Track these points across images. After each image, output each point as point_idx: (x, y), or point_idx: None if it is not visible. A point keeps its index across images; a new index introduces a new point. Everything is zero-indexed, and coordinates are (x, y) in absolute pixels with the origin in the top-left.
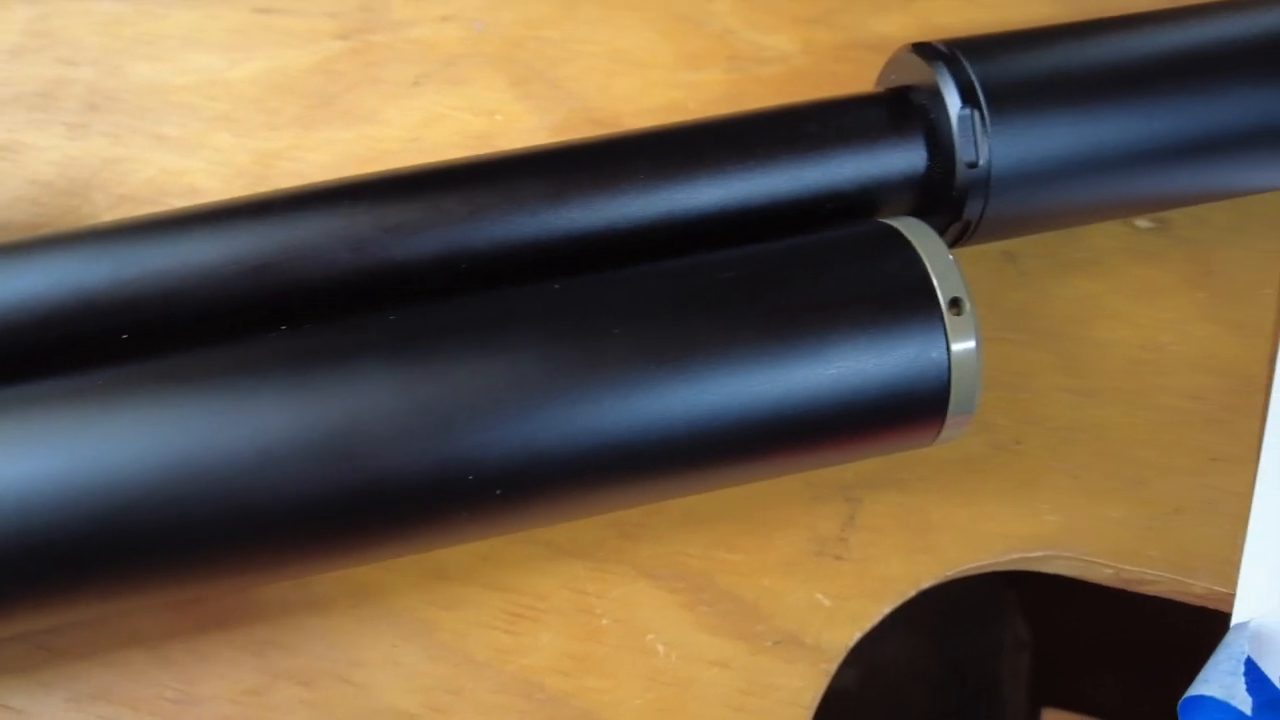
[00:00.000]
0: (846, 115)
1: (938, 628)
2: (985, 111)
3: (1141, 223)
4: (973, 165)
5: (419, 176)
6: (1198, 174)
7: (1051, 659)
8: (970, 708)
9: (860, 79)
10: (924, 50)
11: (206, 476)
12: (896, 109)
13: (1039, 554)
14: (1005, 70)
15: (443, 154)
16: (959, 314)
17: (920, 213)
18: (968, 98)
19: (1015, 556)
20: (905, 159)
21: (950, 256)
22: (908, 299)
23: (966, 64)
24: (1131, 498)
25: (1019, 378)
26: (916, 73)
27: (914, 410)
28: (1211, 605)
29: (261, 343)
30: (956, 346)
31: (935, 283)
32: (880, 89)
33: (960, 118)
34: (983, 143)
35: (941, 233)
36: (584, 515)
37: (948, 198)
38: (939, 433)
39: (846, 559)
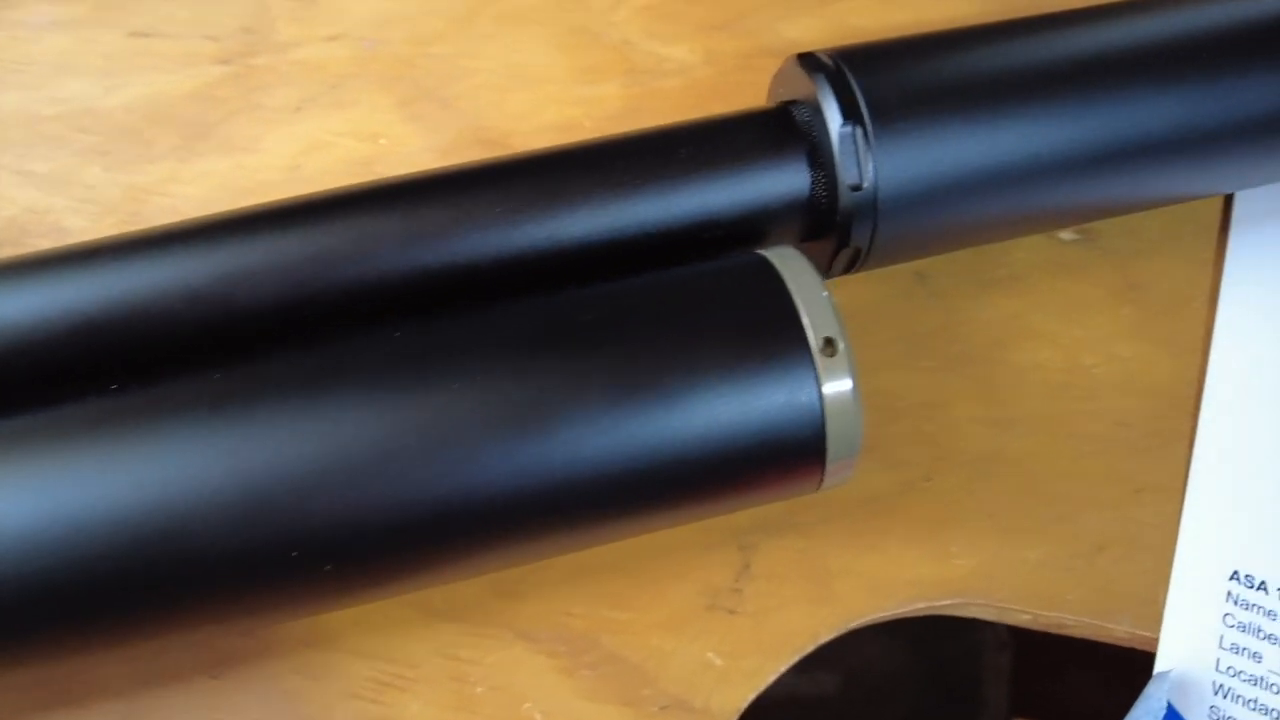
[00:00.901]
0: (722, 137)
1: (918, 629)
2: (869, 128)
3: (1066, 235)
4: (856, 188)
5: (256, 217)
6: (1114, 185)
7: (1033, 659)
8: (951, 709)
9: (765, 90)
10: (807, 61)
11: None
12: (778, 127)
13: (948, 602)
14: (892, 81)
15: (323, 183)
16: (832, 354)
17: (810, 238)
18: (849, 113)
19: (923, 605)
20: (787, 182)
21: (824, 292)
22: (776, 339)
23: (850, 75)
24: (1050, 536)
25: (930, 408)
26: (801, 86)
27: (790, 458)
28: (1137, 647)
29: (79, 406)
30: (830, 389)
31: (806, 321)
32: (770, 104)
33: (841, 136)
34: (866, 163)
35: (832, 260)
36: (430, 585)
37: (833, 223)
38: (821, 479)
39: (740, 612)
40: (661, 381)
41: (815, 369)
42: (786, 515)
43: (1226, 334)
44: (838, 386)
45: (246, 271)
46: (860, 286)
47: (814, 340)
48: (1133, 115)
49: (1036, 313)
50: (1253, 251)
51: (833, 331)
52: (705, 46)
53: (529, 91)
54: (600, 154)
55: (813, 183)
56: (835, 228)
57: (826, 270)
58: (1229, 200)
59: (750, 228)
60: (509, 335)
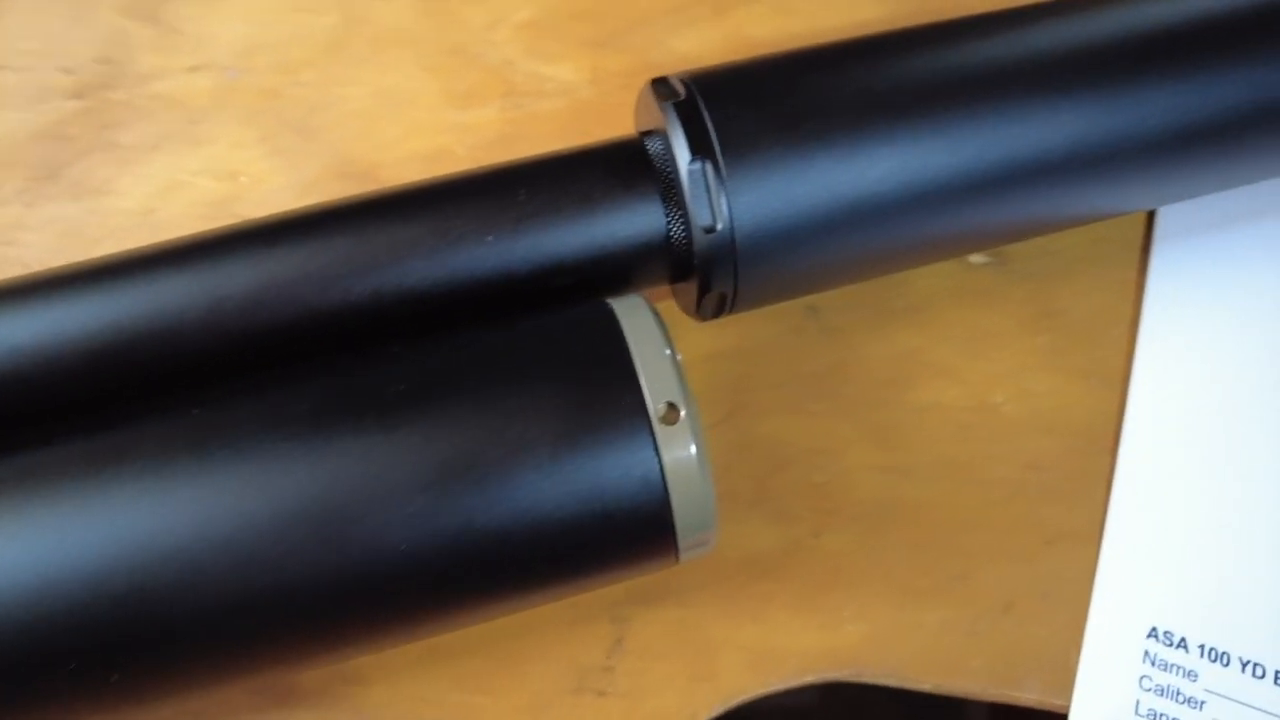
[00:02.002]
0: (567, 175)
1: None
2: (721, 163)
3: (976, 258)
4: (710, 230)
5: (52, 280)
6: (1005, 208)
7: None
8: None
9: None
10: (660, 88)
11: None
12: (630, 163)
13: (838, 675)
14: (749, 108)
15: (178, 227)
16: (673, 422)
17: (681, 279)
18: (699, 147)
19: (811, 679)
20: (640, 223)
21: (668, 350)
22: (612, 406)
23: (701, 104)
24: (952, 596)
25: (820, 456)
26: (656, 116)
27: (636, 535)
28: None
29: None
30: (671, 459)
31: (645, 386)
32: (633, 134)
33: (690, 173)
34: (719, 201)
35: (698, 305)
36: (233, 685)
37: (693, 266)
38: (676, 554)
39: (611, 693)
40: (481, 461)
41: (654, 439)
42: (662, 583)
43: (1147, 364)
44: (680, 455)
45: (39, 343)
46: (745, 323)
47: (653, 406)
48: (1025, 131)
49: (940, 346)
50: (1176, 271)
51: (675, 396)
52: (591, 64)
53: (399, 119)
54: (427, 198)
55: (669, 223)
56: (695, 271)
57: (698, 311)
58: (1152, 214)
59: (607, 272)
60: (305, 411)
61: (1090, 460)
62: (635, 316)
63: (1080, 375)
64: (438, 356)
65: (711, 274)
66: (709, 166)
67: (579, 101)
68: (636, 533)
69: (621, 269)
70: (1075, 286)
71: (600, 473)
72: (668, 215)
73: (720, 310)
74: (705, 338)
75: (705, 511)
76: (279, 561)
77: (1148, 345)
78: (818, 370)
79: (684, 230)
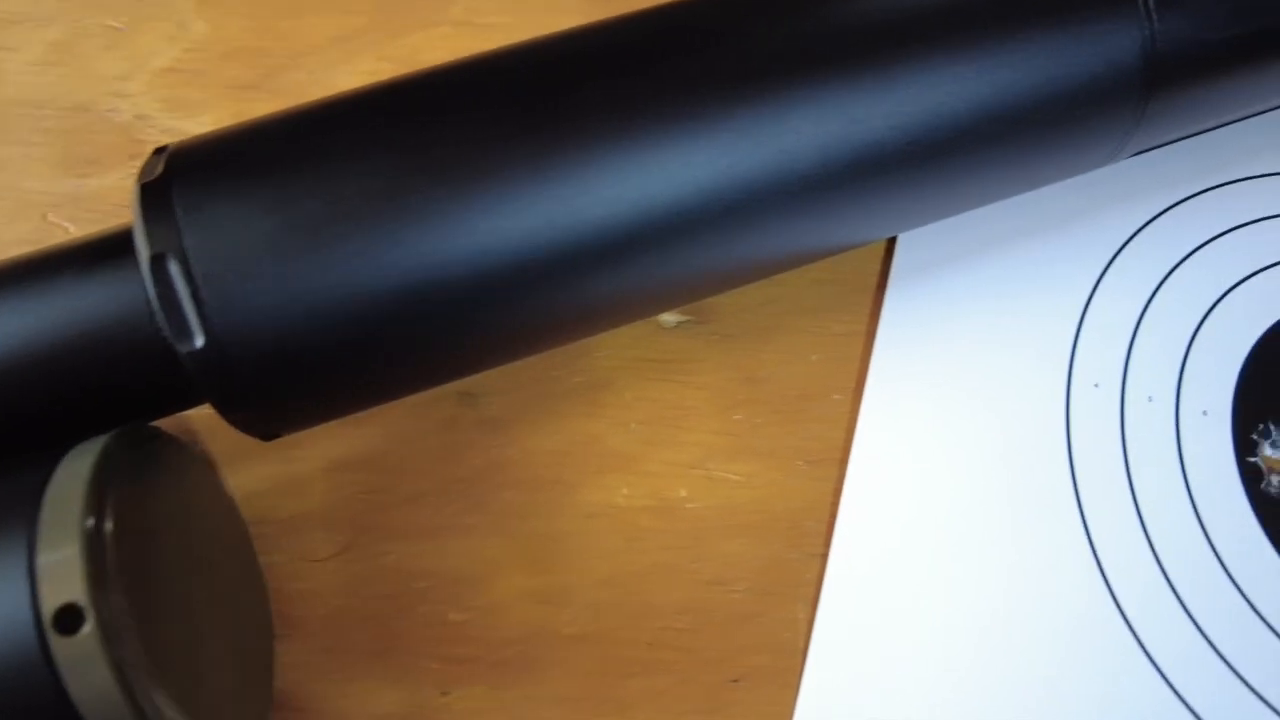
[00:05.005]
0: (43, 273)
1: None
2: (190, 261)
3: (668, 318)
4: (188, 348)
5: None
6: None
7: None
8: None
9: None
10: (150, 162)
11: None
12: (117, 258)
13: None
14: (230, 185)
15: None
16: (72, 633)
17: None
18: (162, 241)
19: None
20: (125, 341)
21: (90, 521)
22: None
23: (174, 187)
24: None
25: (461, 586)
26: None
27: None
28: None
29: None
30: (76, 685)
31: (40, 580)
32: None
33: (151, 275)
34: (188, 311)
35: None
36: None
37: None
38: None
39: None
40: None
41: (50, 653)
42: None
43: (871, 437)
44: (86, 680)
45: None
46: (384, 416)
47: (47, 608)
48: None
49: (618, 432)
50: (907, 320)
51: (76, 594)
52: (236, 113)
53: (2, 197)
54: None
55: (163, 336)
56: (198, 393)
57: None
58: (890, 249)
59: (116, 398)
60: None
61: (792, 568)
62: (71, 471)
63: (785, 456)
64: None
65: (217, 398)
66: (175, 266)
67: None
68: None
69: (122, 394)
70: (785, 345)
71: None
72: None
73: (267, 434)
74: (330, 441)
75: None
76: None
77: (872, 414)
78: (468, 474)
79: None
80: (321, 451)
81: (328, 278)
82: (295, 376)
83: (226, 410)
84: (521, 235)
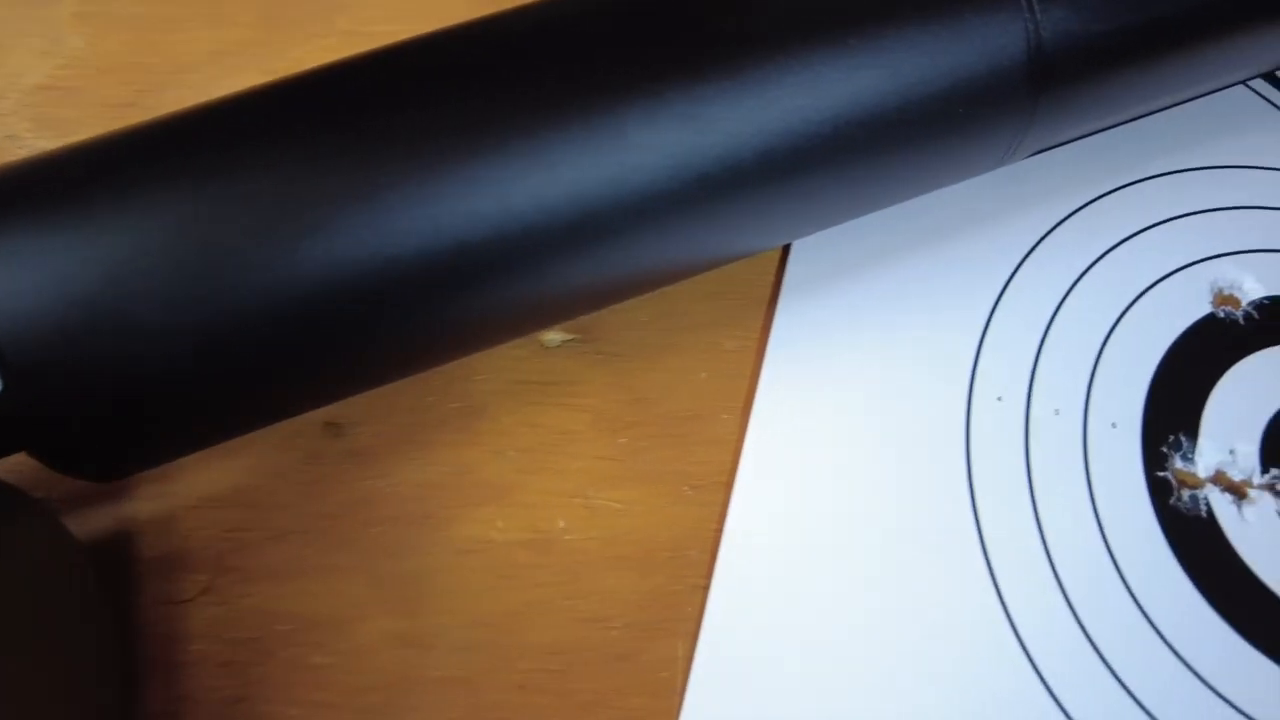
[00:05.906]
0: None
1: None
2: None
3: (551, 336)
4: None
5: None
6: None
7: None
8: None
9: None
10: None
11: None
12: None
13: None
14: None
15: None
16: None
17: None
18: None
19: None
20: None
21: None
22: None
23: None
24: None
25: (325, 630)
26: None
27: None
28: None
29: None
30: None
31: None
32: None
33: None
34: None
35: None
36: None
37: None
38: None
39: None
40: None
41: None
42: None
43: (756, 457)
44: None
45: None
46: (250, 448)
47: None
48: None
49: (494, 461)
50: (796, 335)
51: None
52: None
53: None
54: None
55: None
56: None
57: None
58: (784, 261)
59: None
60: None
61: (672, 601)
62: None
63: (670, 482)
64: None
65: (28, 446)
66: None
67: None
68: None
69: None
70: (675, 364)
71: None
72: None
73: (99, 477)
74: (199, 474)
75: None
76: None
77: (758, 433)
78: (334, 509)
79: None
80: (188, 485)
81: (134, 317)
82: (107, 418)
83: (40, 456)
84: (353, 262)
